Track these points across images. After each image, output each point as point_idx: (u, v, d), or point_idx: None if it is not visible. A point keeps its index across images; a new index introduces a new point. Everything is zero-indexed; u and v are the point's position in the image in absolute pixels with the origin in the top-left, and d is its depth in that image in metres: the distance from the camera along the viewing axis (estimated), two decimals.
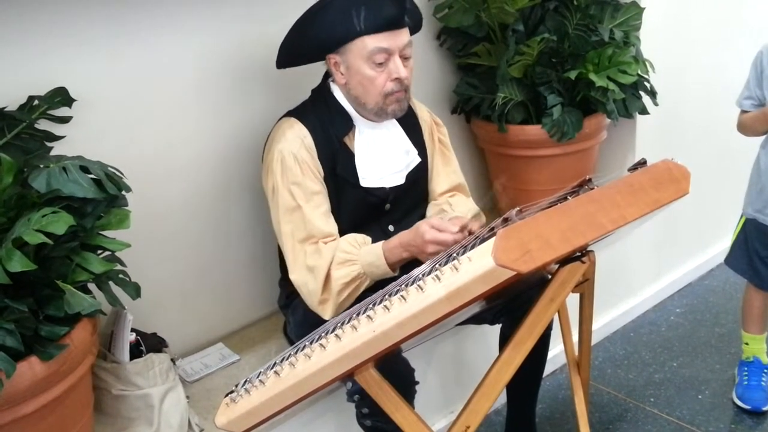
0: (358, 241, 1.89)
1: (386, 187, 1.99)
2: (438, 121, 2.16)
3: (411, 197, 2.06)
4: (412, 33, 1.96)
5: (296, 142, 1.89)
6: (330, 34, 1.84)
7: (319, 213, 1.88)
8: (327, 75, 1.99)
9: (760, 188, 2.26)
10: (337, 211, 1.95)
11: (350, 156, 1.95)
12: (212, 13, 2.05)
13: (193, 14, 2.02)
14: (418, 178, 2.07)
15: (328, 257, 1.85)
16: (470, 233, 1.77)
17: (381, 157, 1.98)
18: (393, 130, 2.01)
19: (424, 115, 2.12)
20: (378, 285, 1.80)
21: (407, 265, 1.82)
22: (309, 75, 2.03)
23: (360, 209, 1.98)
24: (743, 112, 2.26)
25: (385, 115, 1.91)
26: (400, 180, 2.01)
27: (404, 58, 1.87)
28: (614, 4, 2.62)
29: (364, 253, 1.86)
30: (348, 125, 1.95)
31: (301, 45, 1.91)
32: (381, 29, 1.81)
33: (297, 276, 1.90)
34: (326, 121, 1.94)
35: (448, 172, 2.13)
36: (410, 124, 2.06)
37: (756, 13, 3.14)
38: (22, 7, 1.74)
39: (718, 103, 2.39)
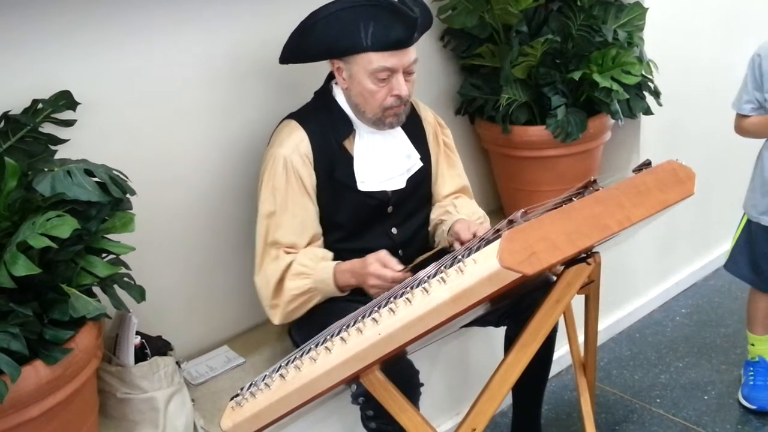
0: (317, 255, 1.91)
1: (387, 191, 1.99)
2: (442, 123, 2.15)
3: (414, 200, 2.06)
4: (422, 33, 1.96)
5: (290, 148, 1.90)
6: (335, 43, 1.84)
7: (293, 222, 1.90)
8: (330, 77, 1.99)
9: (764, 190, 2.24)
10: (337, 214, 1.96)
11: (349, 160, 1.95)
12: (216, 16, 2.05)
13: (197, 17, 2.02)
14: (421, 181, 2.07)
15: (282, 265, 1.88)
16: (462, 243, 1.77)
17: (380, 162, 1.98)
18: (394, 133, 2.00)
19: (429, 117, 2.12)
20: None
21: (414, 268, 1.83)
22: (314, 77, 2.02)
23: (361, 212, 1.98)
24: (742, 115, 2.25)
25: (383, 125, 1.92)
26: (400, 184, 2.01)
27: (408, 74, 1.87)
28: (618, 4, 2.62)
29: (319, 268, 1.88)
30: (348, 129, 1.95)
31: (306, 47, 1.90)
32: (387, 48, 1.80)
33: (258, 278, 1.94)
34: (326, 125, 1.94)
35: (453, 175, 2.13)
36: (414, 127, 2.05)
37: (760, 13, 3.13)
38: (26, 11, 1.74)
39: (723, 104, 2.38)
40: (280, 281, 1.89)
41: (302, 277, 1.88)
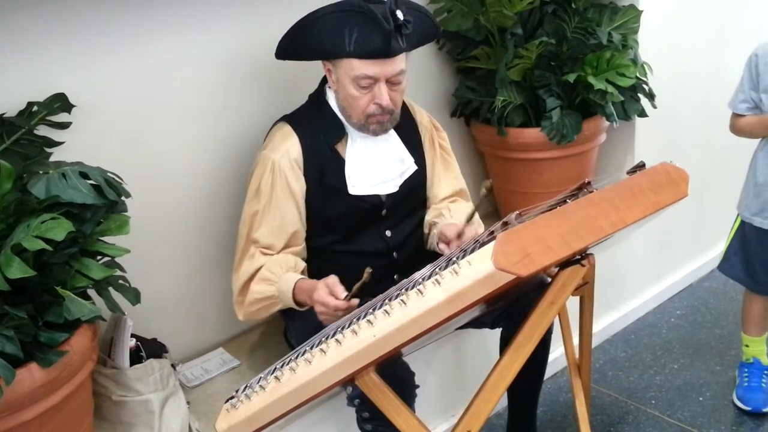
0: (288, 264, 1.91)
1: (380, 195, 1.99)
2: (438, 125, 2.15)
3: (408, 203, 2.06)
4: (417, 45, 1.95)
5: (281, 152, 1.91)
6: (322, 46, 1.85)
7: (272, 224, 1.91)
8: (324, 80, 1.99)
9: (757, 191, 2.25)
10: (329, 217, 1.96)
11: (341, 164, 1.95)
12: (211, 19, 2.05)
13: (192, 20, 2.02)
14: (416, 185, 2.06)
15: (255, 266, 1.91)
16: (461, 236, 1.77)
17: (373, 166, 1.97)
18: (388, 137, 2.00)
19: (424, 120, 2.12)
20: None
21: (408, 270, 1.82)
22: (310, 79, 2.03)
23: (353, 216, 1.98)
24: (737, 115, 2.26)
25: (367, 131, 1.92)
26: (393, 188, 2.01)
27: (393, 84, 1.86)
28: (612, 7, 2.62)
29: (284, 278, 1.88)
30: (340, 133, 1.96)
31: (298, 47, 1.91)
32: (367, 56, 1.80)
33: (234, 275, 1.96)
34: (319, 128, 1.95)
35: (449, 178, 2.13)
36: (408, 130, 2.05)
37: (754, 15, 3.14)
38: (21, 13, 1.74)
39: (717, 106, 2.38)
40: (248, 282, 1.92)
41: (267, 283, 1.90)
